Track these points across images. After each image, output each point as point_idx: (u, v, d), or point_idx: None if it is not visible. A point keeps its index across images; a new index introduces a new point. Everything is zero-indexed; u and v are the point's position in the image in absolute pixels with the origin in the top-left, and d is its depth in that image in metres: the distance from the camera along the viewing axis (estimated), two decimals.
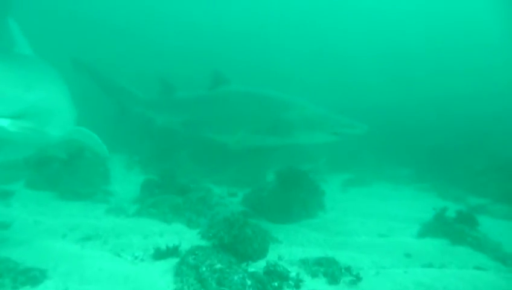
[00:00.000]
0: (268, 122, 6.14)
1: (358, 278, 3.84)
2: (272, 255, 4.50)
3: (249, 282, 3.40)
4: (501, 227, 6.42)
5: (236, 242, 4.18)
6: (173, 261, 3.97)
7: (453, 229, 5.24)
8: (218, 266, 3.58)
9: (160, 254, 4.16)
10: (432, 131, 13.16)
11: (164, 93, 8.33)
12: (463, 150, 11.15)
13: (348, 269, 4.01)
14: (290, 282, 3.61)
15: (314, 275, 3.92)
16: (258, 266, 3.98)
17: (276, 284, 3.53)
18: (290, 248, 4.94)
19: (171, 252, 4.19)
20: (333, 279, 3.83)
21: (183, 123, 7.64)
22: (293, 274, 3.70)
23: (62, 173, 7.05)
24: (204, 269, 3.54)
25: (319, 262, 4.14)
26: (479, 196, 8.66)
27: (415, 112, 15.69)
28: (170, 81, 8.40)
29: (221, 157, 9.67)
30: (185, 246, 4.26)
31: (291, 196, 6.47)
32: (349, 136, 5.83)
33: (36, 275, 3.41)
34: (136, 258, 4.12)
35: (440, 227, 5.39)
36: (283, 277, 3.64)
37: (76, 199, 6.53)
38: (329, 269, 3.99)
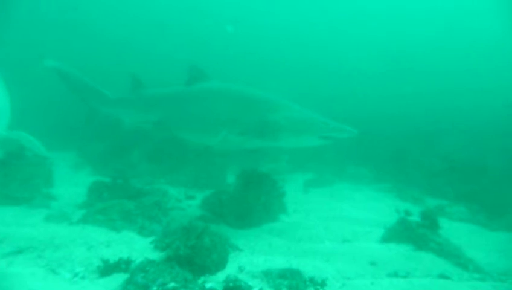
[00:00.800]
0: (254, 124, 5.60)
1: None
2: (232, 266, 4.15)
3: None
4: (458, 230, 6.55)
5: (193, 253, 3.78)
6: (120, 278, 3.48)
7: (416, 234, 5.17)
8: (172, 284, 3.17)
9: (104, 270, 3.65)
10: (394, 134, 13.40)
11: (134, 89, 7.50)
12: (421, 152, 11.45)
13: (312, 280, 3.77)
14: None
15: (277, 289, 3.62)
16: (216, 280, 3.61)
17: None
18: (251, 256, 4.63)
19: (117, 266, 3.69)
20: None
21: (156, 123, 6.78)
22: None
23: None
24: (155, 288, 3.12)
25: (283, 274, 3.84)
26: (437, 197, 8.86)
27: (381, 116, 16.07)
28: (140, 78, 7.62)
29: (179, 156, 9.16)
30: (135, 259, 3.82)
31: (253, 198, 6.14)
32: (338, 140, 5.53)
33: None
34: (75, 275, 3.58)
35: (403, 232, 5.31)
36: None
37: (10, 204, 5.78)
38: (293, 281, 3.71)
